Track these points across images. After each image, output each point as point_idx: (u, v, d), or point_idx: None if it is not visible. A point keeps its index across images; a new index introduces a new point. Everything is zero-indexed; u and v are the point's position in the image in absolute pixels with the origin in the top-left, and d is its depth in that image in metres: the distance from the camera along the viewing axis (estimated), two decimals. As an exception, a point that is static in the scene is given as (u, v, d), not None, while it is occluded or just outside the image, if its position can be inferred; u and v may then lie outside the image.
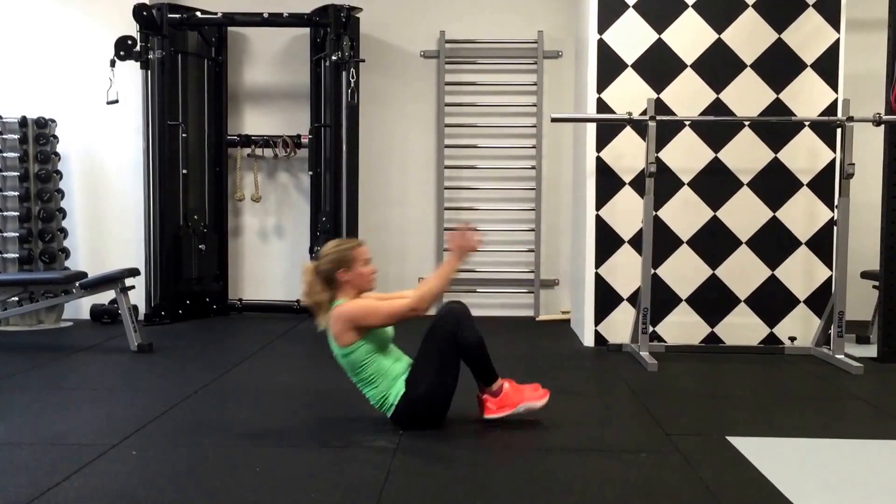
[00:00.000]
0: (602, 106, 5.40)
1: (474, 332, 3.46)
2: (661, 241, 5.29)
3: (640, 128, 5.26)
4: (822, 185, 5.37)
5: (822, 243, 5.38)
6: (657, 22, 5.38)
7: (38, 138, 6.20)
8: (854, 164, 4.90)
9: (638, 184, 5.33)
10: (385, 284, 6.77)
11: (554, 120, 5.28)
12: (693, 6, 5.37)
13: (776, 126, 5.35)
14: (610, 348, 5.37)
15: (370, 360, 3.44)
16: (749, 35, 5.36)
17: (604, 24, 5.40)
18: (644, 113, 5.07)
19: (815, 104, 5.36)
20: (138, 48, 6.20)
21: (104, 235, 6.64)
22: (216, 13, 6.44)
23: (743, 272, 5.40)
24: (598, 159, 5.43)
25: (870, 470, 3.08)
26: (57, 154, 6.36)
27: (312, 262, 3.58)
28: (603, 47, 5.40)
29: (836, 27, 5.33)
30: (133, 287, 5.45)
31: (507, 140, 6.85)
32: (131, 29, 6.23)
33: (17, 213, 6.10)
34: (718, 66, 5.37)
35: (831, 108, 5.32)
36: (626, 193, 5.42)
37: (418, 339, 3.51)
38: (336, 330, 3.43)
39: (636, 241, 5.31)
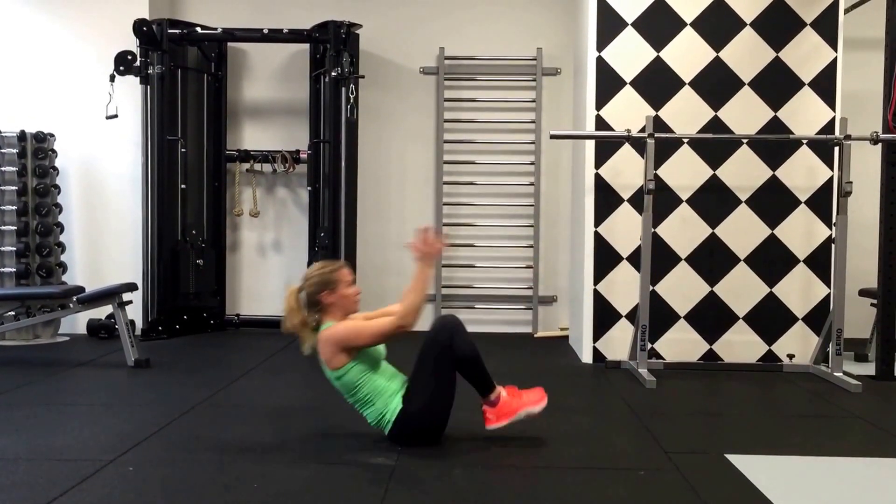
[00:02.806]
0: (601, 123, 5.41)
1: (469, 343, 3.45)
2: (659, 258, 5.30)
3: (638, 145, 5.27)
4: (820, 202, 5.38)
5: (820, 261, 5.39)
6: (656, 40, 5.40)
7: (36, 152, 6.20)
8: (852, 182, 4.92)
9: (636, 201, 5.34)
10: (383, 299, 6.75)
11: (553, 137, 5.30)
12: (691, 24, 5.39)
13: (774, 144, 5.36)
14: (608, 365, 5.36)
15: (364, 380, 3.44)
16: (747, 53, 5.38)
17: (602, 42, 5.42)
18: (643, 130, 5.09)
19: (813, 122, 5.37)
20: (138, 63, 6.21)
21: (102, 250, 6.63)
22: (216, 29, 6.46)
23: (741, 289, 5.41)
24: (597, 176, 5.44)
25: (868, 488, 3.07)
26: (55, 168, 6.36)
27: (294, 285, 3.56)
28: (602, 64, 5.42)
29: (834, 46, 5.36)
30: (130, 302, 5.44)
31: (506, 156, 6.86)
32: (131, 44, 6.25)
33: (15, 228, 6.09)
34: (717, 83, 5.39)
35: (829, 127, 5.34)
36: (625, 210, 5.43)
37: (414, 353, 3.50)
38: (326, 354, 3.43)
39: (635, 258, 5.31)
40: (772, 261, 5.40)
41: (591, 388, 4.85)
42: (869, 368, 5.25)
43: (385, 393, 3.44)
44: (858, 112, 5.49)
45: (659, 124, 5.30)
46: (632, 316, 5.37)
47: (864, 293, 5.73)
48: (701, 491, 2.95)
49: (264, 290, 6.93)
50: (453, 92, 6.84)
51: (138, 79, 6.26)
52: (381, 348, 3.54)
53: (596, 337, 5.49)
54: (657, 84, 5.41)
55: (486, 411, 3.55)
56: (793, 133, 5.35)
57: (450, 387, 3.46)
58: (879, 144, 5.03)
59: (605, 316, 5.47)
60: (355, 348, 3.41)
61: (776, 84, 5.38)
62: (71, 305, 5.41)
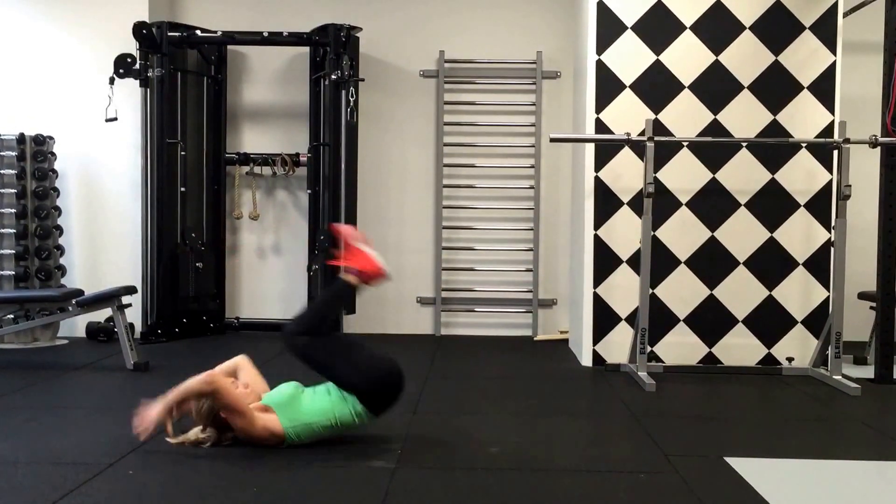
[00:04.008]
0: (600, 126, 5.42)
1: (296, 329, 3.55)
2: (659, 262, 5.30)
3: (638, 148, 5.27)
4: (819, 206, 5.39)
5: (819, 264, 5.39)
6: (655, 43, 5.41)
7: (35, 155, 6.19)
8: (850, 186, 4.92)
9: (636, 204, 5.34)
10: (383, 303, 6.81)
11: (553, 140, 5.30)
12: (691, 28, 5.40)
13: (773, 147, 5.37)
14: (608, 368, 5.36)
15: (302, 418, 3.42)
16: (746, 57, 5.39)
17: (602, 45, 5.43)
18: (642, 133, 5.10)
19: (812, 126, 5.38)
20: (138, 66, 6.21)
21: (101, 253, 6.63)
22: (216, 32, 6.47)
23: (741, 292, 5.41)
24: (597, 179, 5.44)
25: (868, 491, 3.08)
26: (54, 171, 6.35)
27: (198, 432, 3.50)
28: (601, 68, 5.43)
29: (833, 49, 5.37)
30: (130, 305, 5.43)
31: (506, 160, 6.87)
32: (131, 47, 6.25)
33: (14, 231, 6.09)
34: (716, 87, 5.40)
35: (828, 130, 5.35)
36: (625, 213, 5.43)
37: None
38: (260, 436, 3.39)
39: (634, 261, 5.32)
40: (771, 264, 5.41)
41: (591, 391, 4.85)
42: (868, 371, 5.25)
43: (335, 404, 3.44)
44: (857, 115, 5.50)
45: (658, 128, 5.30)
46: (631, 319, 5.37)
47: (862, 296, 5.74)
48: (700, 494, 2.95)
49: (264, 293, 6.93)
50: (453, 95, 6.85)
51: (138, 81, 6.26)
52: (284, 392, 3.52)
53: (595, 340, 5.49)
54: (657, 87, 5.41)
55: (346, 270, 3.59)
56: (792, 136, 5.36)
57: (351, 347, 3.54)
58: (878, 148, 5.04)
59: (604, 319, 5.47)
60: (248, 415, 3.36)
61: (775, 87, 5.39)
62: (70, 308, 5.40)
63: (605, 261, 5.46)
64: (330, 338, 3.59)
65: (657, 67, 5.41)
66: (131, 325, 5.74)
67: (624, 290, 5.42)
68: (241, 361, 3.70)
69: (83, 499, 2.84)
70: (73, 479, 3.03)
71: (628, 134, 5.12)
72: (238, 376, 3.62)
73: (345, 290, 3.65)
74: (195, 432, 3.49)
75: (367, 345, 3.61)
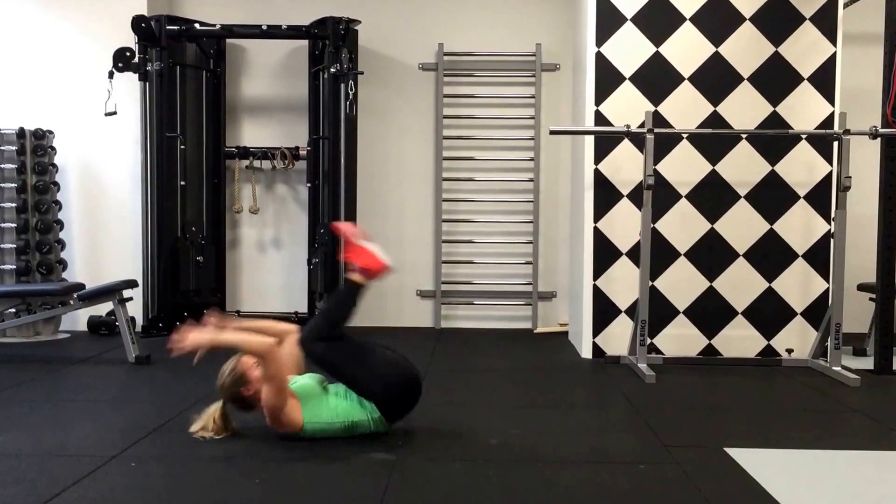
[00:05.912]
0: (600, 118, 5.42)
1: (314, 332, 3.49)
2: (658, 254, 5.31)
3: (637, 140, 5.28)
4: (819, 197, 5.39)
5: (819, 256, 5.40)
6: (655, 35, 5.41)
7: (35, 149, 6.20)
8: (850, 177, 4.93)
9: (636, 196, 5.35)
10: (383, 296, 6.82)
11: (552, 132, 5.30)
12: (691, 19, 5.40)
13: (773, 139, 5.37)
14: (608, 360, 5.37)
15: (323, 417, 3.43)
16: (746, 48, 5.39)
17: (602, 37, 5.42)
18: (642, 125, 5.10)
19: (812, 117, 5.38)
20: (137, 60, 6.20)
21: (102, 247, 6.63)
22: (215, 25, 6.45)
23: (740, 284, 5.42)
24: (597, 172, 5.45)
25: (867, 481, 3.09)
26: (55, 165, 6.36)
27: (218, 405, 3.53)
28: (601, 60, 5.43)
29: (833, 41, 5.36)
30: (131, 299, 5.44)
31: (505, 153, 6.87)
32: (130, 41, 6.24)
33: (15, 225, 6.10)
34: (716, 79, 5.40)
35: (828, 122, 5.35)
36: (624, 206, 5.43)
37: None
38: (281, 420, 3.39)
39: (634, 254, 5.32)
40: (771, 256, 5.41)
41: (591, 383, 4.86)
42: (867, 363, 5.26)
43: (350, 406, 3.46)
44: (857, 107, 5.51)
45: (658, 119, 5.30)
46: (631, 311, 5.38)
47: (862, 288, 5.74)
48: (700, 484, 2.97)
49: (264, 287, 6.94)
50: (452, 88, 6.84)
51: (137, 75, 6.25)
52: (309, 386, 3.51)
53: (595, 332, 5.50)
54: (656, 79, 5.41)
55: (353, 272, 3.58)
56: (792, 128, 5.36)
57: (370, 352, 3.53)
58: (878, 139, 5.04)
59: (604, 311, 5.48)
60: (283, 391, 3.37)
61: (775, 79, 5.39)
62: (71, 302, 5.42)
63: (605, 253, 5.47)
64: (346, 342, 3.54)
65: (657, 59, 5.41)
66: (132, 319, 5.74)
67: (624, 283, 5.43)
68: (291, 335, 3.60)
69: (86, 491, 2.85)
70: (75, 471, 3.04)
71: (628, 126, 5.12)
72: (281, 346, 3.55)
73: (353, 291, 3.59)
74: (209, 425, 3.48)
75: (381, 348, 3.60)
